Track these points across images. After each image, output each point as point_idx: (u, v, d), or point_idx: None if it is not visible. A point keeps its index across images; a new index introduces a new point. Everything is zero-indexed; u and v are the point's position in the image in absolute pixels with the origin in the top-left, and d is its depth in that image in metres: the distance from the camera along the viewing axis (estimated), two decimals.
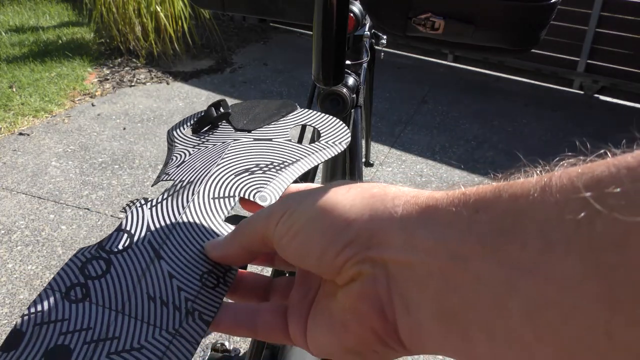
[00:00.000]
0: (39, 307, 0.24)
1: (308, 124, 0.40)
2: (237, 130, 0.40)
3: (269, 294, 0.29)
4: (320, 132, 0.40)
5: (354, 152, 0.83)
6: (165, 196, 0.32)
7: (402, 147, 2.49)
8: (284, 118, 0.40)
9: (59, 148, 2.35)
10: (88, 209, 1.94)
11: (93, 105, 2.78)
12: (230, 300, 0.28)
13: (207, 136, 0.40)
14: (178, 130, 0.41)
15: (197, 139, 0.39)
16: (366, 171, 2.21)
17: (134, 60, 3.31)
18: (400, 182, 2.19)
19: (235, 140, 0.38)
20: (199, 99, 2.91)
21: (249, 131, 0.39)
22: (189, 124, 0.42)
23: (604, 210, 0.15)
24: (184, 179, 0.34)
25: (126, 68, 3.24)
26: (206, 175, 0.34)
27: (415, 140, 2.55)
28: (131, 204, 0.31)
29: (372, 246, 0.21)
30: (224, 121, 0.41)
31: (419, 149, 2.47)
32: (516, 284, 0.17)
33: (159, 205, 0.31)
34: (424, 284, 0.19)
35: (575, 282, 0.16)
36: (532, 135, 2.64)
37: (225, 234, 0.29)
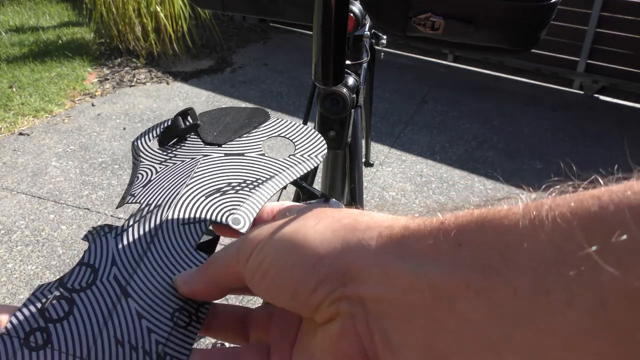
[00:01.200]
0: None
1: (282, 135, 0.38)
2: (206, 143, 0.36)
3: (246, 327, 0.27)
4: (295, 144, 0.37)
5: (354, 152, 0.83)
6: (131, 223, 0.29)
7: (402, 147, 2.49)
8: (256, 129, 0.38)
9: (59, 148, 2.35)
10: (88, 209, 1.94)
11: (93, 105, 2.79)
12: (205, 337, 0.27)
13: (175, 150, 0.36)
14: (143, 142, 0.37)
15: (164, 153, 0.36)
16: (366, 171, 2.21)
17: (134, 60, 3.31)
18: (400, 182, 2.19)
19: (205, 156, 0.35)
20: (199, 99, 2.91)
21: (220, 145, 0.36)
22: (154, 133, 0.38)
23: (610, 268, 0.14)
24: (151, 201, 0.31)
25: (126, 68, 3.24)
26: (175, 198, 0.31)
27: (415, 140, 2.55)
28: (94, 232, 0.28)
29: (347, 282, 0.19)
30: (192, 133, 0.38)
31: (419, 149, 2.47)
32: (511, 335, 0.16)
33: (125, 234, 0.28)
34: (407, 323, 0.18)
35: (582, 340, 0.14)
36: (532, 135, 2.64)
37: (198, 264, 0.27)
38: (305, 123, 0.69)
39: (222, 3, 0.61)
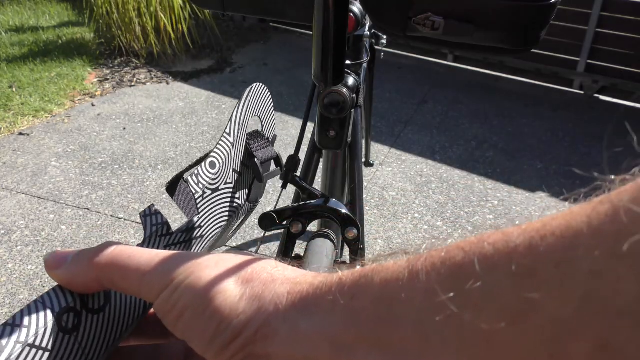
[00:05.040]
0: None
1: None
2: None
3: None
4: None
5: (354, 152, 0.83)
6: (180, 238, 0.30)
7: (402, 147, 2.48)
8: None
9: (59, 148, 2.35)
10: (88, 209, 1.94)
11: (93, 105, 2.78)
12: None
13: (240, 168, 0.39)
14: (240, 118, 0.38)
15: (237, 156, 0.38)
16: (366, 171, 2.21)
17: (134, 60, 3.30)
18: (400, 182, 2.19)
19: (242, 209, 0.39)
20: (199, 99, 2.91)
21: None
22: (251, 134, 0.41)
23: (465, 314, 0.16)
24: (198, 224, 0.32)
25: (126, 68, 3.24)
26: (209, 239, 0.33)
27: (415, 140, 2.55)
28: (155, 226, 0.28)
29: (257, 340, 0.20)
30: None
31: (419, 149, 2.47)
32: None
33: (172, 248, 0.29)
34: None
35: None
36: (532, 135, 2.64)
37: None
38: (305, 123, 0.69)
39: (222, 3, 0.61)
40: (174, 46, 3.32)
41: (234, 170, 0.37)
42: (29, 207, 1.94)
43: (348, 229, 0.49)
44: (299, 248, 0.48)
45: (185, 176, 0.32)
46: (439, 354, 0.16)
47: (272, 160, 0.42)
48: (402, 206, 2.03)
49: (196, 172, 0.33)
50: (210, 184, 0.34)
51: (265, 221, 0.48)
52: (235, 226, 0.42)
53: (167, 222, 0.29)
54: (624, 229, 0.14)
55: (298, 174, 0.56)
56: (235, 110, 0.36)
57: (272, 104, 0.43)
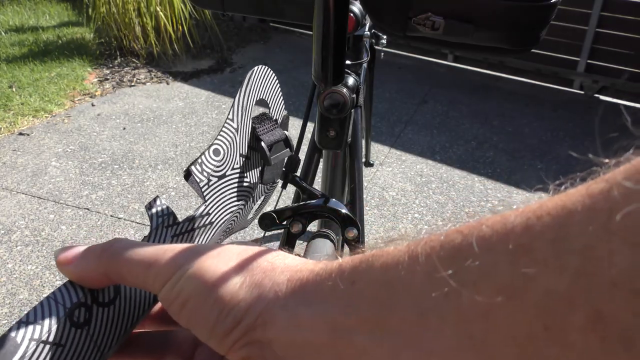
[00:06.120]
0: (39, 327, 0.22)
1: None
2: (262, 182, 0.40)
3: (166, 351, 0.27)
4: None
5: (354, 152, 0.83)
6: (187, 227, 0.30)
7: (402, 147, 2.48)
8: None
9: (59, 148, 2.35)
10: (88, 209, 1.94)
11: (93, 105, 2.78)
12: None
13: (249, 153, 0.38)
14: (243, 104, 0.38)
15: (243, 144, 0.38)
16: (366, 171, 2.21)
17: (134, 60, 3.30)
18: (400, 182, 2.19)
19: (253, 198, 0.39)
20: (199, 99, 2.91)
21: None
22: (260, 118, 0.40)
23: (463, 290, 0.16)
24: (205, 212, 0.32)
25: (126, 68, 3.24)
26: (219, 227, 0.33)
27: (415, 140, 2.55)
28: (161, 216, 0.28)
29: (258, 326, 0.21)
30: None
31: (419, 149, 2.47)
32: (401, 359, 0.18)
33: (181, 237, 0.29)
34: None
35: (454, 355, 0.16)
36: (532, 135, 2.64)
37: None
38: (305, 123, 0.69)
39: (222, 3, 0.61)
40: (174, 46, 3.32)
41: (241, 155, 0.37)
42: (29, 207, 1.94)
43: (348, 229, 0.49)
44: (299, 248, 0.48)
45: (189, 166, 0.32)
46: (437, 331, 0.17)
47: (282, 142, 0.42)
48: (402, 206, 2.03)
49: (200, 160, 0.33)
50: (215, 171, 0.34)
51: (265, 221, 0.48)
52: (255, 208, 0.42)
53: (172, 213, 0.29)
54: (615, 203, 0.14)
55: (298, 174, 0.56)
56: (238, 95, 0.36)
57: (279, 85, 0.42)
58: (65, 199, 1.99)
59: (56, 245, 1.75)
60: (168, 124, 2.61)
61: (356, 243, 0.50)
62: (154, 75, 3.17)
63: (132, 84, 3.06)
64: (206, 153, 0.33)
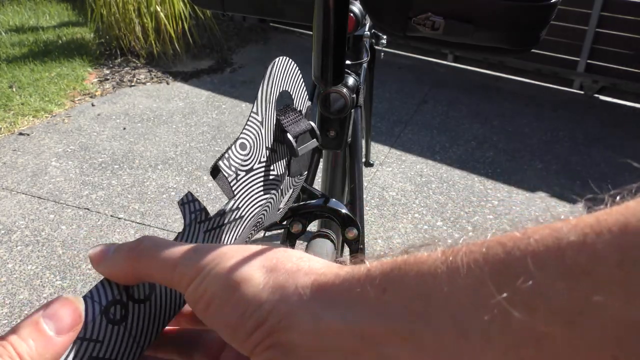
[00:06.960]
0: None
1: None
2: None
3: (194, 350, 0.27)
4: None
5: (354, 152, 0.83)
6: (218, 222, 0.30)
7: (402, 147, 2.48)
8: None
9: (59, 148, 2.35)
10: (88, 209, 1.94)
11: (93, 105, 2.78)
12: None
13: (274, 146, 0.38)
14: (268, 98, 0.38)
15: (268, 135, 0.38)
16: (366, 171, 2.21)
17: (134, 60, 3.30)
18: (400, 182, 2.19)
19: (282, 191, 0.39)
20: (199, 99, 2.91)
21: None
22: (282, 109, 0.40)
23: (517, 314, 0.15)
24: (234, 206, 0.32)
25: (126, 68, 3.24)
26: (249, 219, 0.33)
27: (415, 140, 2.55)
28: (194, 211, 0.28)
29: (281, 329, 0.20)
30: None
31: (419, 149, 2.47)
32: None
33: (212, 233, 0.29)
34: None
35: None
36: (532, 135, 2.64)
37: None
38: None
39: (222, 3, 0.61)
40: (174, 46, 3.32)
41: (267, 148, 0.37)
42: (29, 207, 1.94)
43: (348, 229, 0.49)
44: (299, 248, 0.48)
45: (217, 162, 0.32)
46: (480, 352, 0.16)
47: (308, 132, 0.41)
48: (402, 206, 2.03)
49: (227, 155, 0.32)
50: (242, 165, 0.34)
51: None
52: (284, 202, 0.42)
53: (204, 208, 0.29)
54: None
55: None
56: (261, 88, 0.36)
57: (301, 75, 0.42)
58: (66, 199, 1.99)
59: (56, 246, 1.75)
60: (168, 124, 2.61)
61: (356, 243, 0.50)
62: (154, 75, 3.17)
63: (132, 84, 3.06)
64: (233, 147, 0.33)
